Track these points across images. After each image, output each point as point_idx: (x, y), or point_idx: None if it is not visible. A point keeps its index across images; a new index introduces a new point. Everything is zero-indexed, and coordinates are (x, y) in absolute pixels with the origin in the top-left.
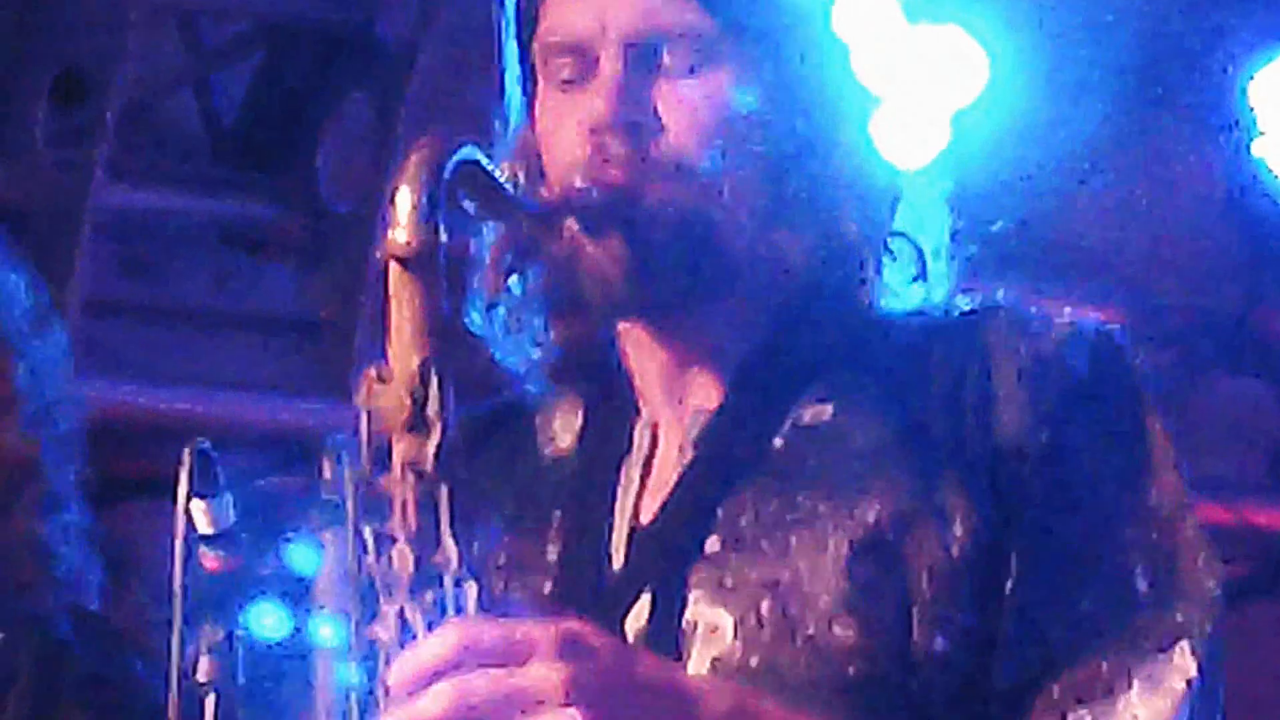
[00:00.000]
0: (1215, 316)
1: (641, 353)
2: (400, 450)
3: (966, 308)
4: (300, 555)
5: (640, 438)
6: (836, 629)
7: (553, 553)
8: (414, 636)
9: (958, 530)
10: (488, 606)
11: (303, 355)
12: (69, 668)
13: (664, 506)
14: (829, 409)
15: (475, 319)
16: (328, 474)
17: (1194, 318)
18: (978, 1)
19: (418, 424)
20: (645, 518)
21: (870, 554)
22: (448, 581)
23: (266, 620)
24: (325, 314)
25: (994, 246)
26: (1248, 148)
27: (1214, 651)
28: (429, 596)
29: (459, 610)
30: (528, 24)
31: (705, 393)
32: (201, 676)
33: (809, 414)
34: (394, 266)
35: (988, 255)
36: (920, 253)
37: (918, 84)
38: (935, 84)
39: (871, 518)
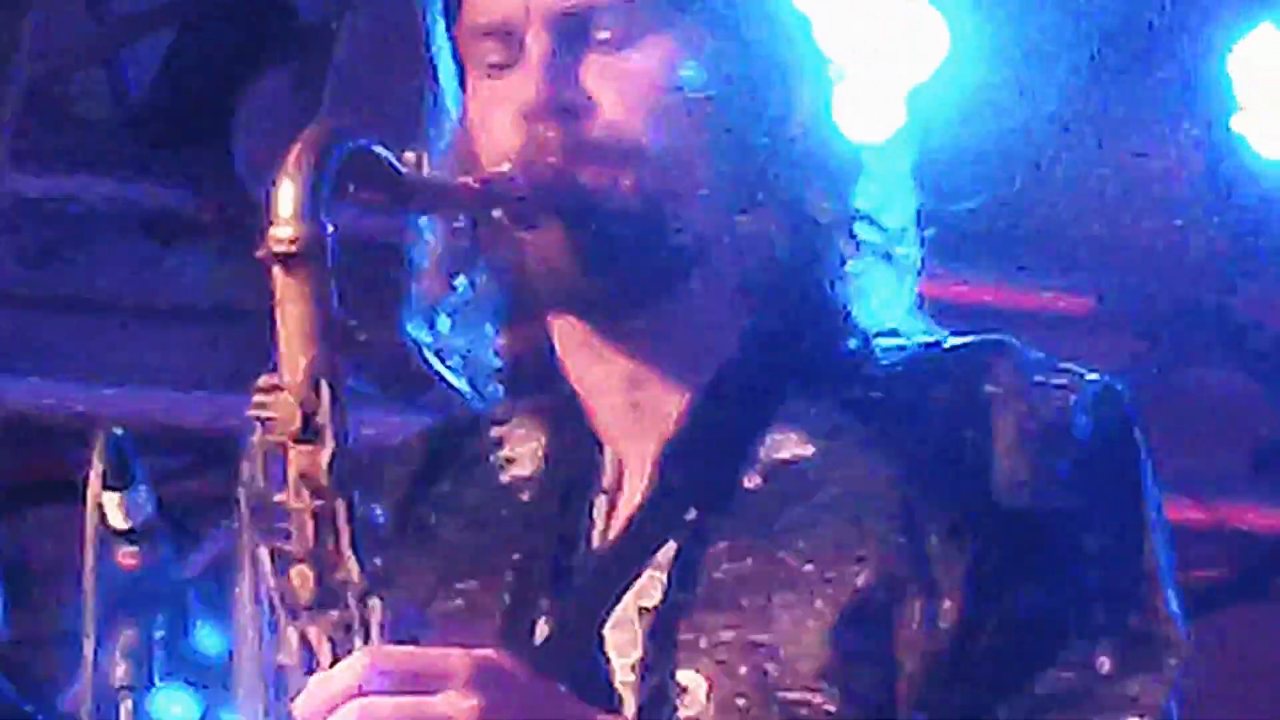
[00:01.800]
0: (1192, 303)
1: (596, 369)
2: (294, 462)
3: (960, 342)
4: (209, 638)
5: (606, 470)
6: (818, 698)
7: (506, 595)
8: (318, 659)
9: (946, 605)
10: (394, 625)
11: (221, 348)
12: None
13: (614, 549)
14: (809, 449)
15: (416, 328)
16: (246, 476)
17: (1169, 305)
18: None
19: (309, 434)
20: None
21: (857, 622)
22: (351, 600)
23: (175, 709)
24: (244, 304)
25: (955, 229)
26: (1226, 123)
27: None
28: (332, 616)
29: (364, 629)
30: (454, 9)
31: (669, 420)
32: (118, 680)
33: (787, 450)
34: (279, 265)
35: (948, 238)
36: (886, 235)
37: (875, 56)
38: (893, 56)
39: (860, 582)
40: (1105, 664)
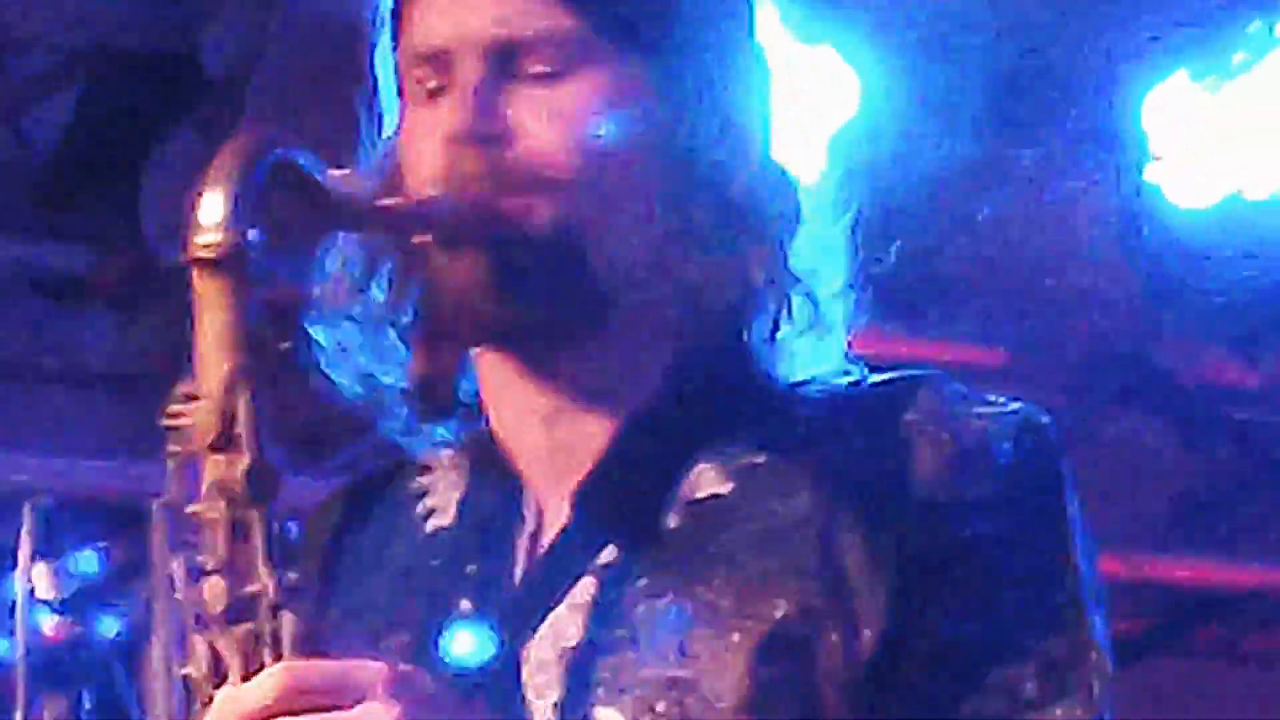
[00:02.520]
0: (1108, 354)
1: (517, 407)
2: (209, 471)
3: (881, 378)
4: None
5: (528, 511)
6: None
7: (430, 644)
8: (228, 672)
9: (865, 636)
10: (307, 639)
11: (124, 414)
12: None
13: (525, 588)
14: (728, 485)
15: (320, 341)
16: (158, 541)
17: (1084, 355)
18: (851, 21)
19: (226, 442)
20: None
21: (775, 654)
22: (264, 612)
23: None
24: (148, 369)
25: (868, 280)
26: (1140, 172)
27: None
28: (243, 629)
29: (276, 643)
30: (395, 35)
31: (587, 459)
32: None
33: (705, 488)
34: (200, 272)
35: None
36: (815, 299)
37: (791, 108)
38: (809, 108)
39: (779, 614)
40: (1029, 689)
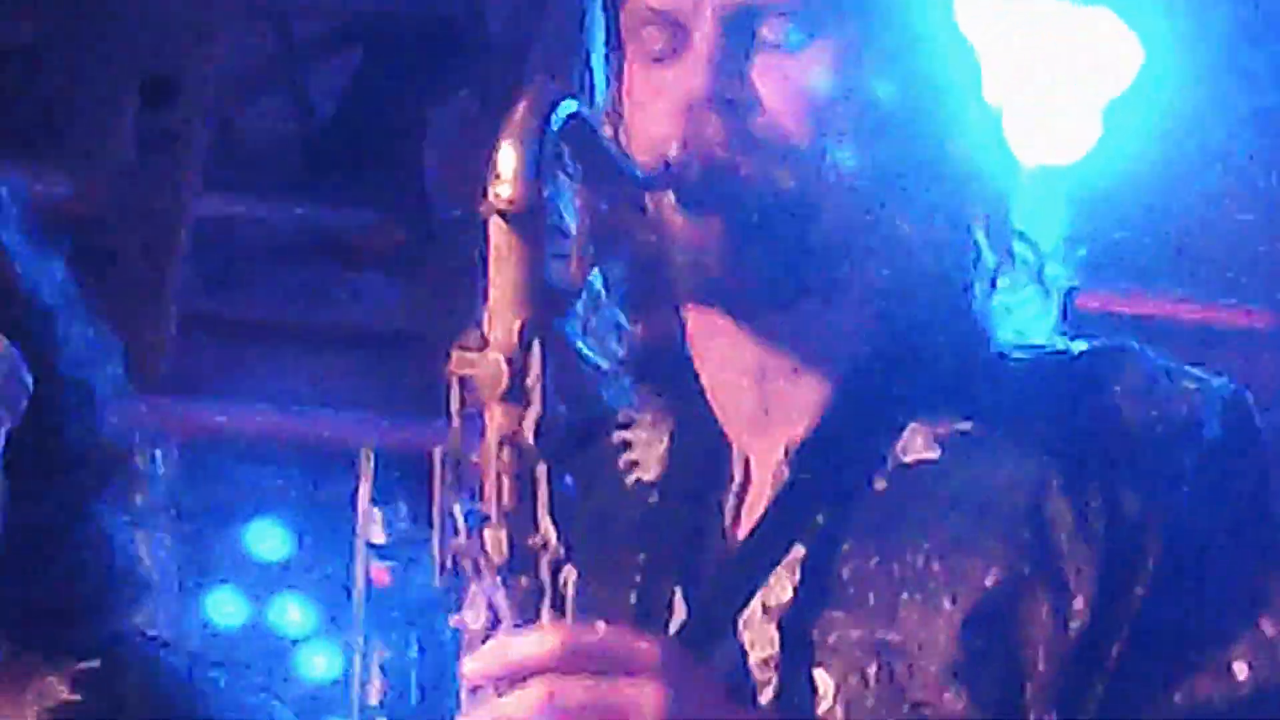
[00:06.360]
0: None
1: (728, 365)
2: (495, 422)
3: (1086, 348)
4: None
5: (734, 468)
6: (946, 697)
7: (634, 595)
8: (503, 623)
9: (1077, 604)
10: (581, 598)
11: (405, 372)
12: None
13: (745, 546)
14: (936, 451)
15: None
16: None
17: None
18: None
19: (515, 394)
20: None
21: (985, 622)
22: (544, 566)
23: (226, 609)
24: (430, 328)
25: (1136, 247)
26: None
27: None
28: (524, 581)
29: (557, 597)
30: None
31: (799, 417)
32: (373, 699)
33: (914, 453)
34: (496, 222)
35: (1130, 256)
36: (1040, 255)
37: (1070, 71)
38: (1088, 72)
39: (988, 582)
40: (1242, 670)
